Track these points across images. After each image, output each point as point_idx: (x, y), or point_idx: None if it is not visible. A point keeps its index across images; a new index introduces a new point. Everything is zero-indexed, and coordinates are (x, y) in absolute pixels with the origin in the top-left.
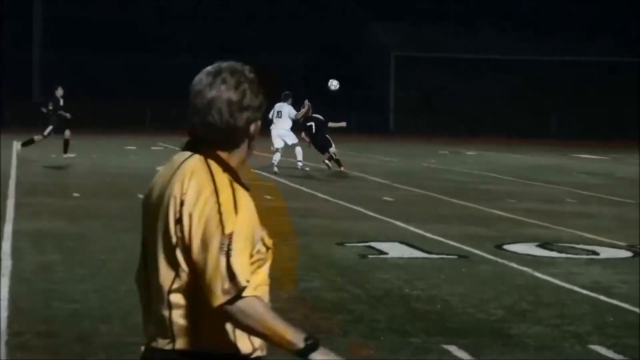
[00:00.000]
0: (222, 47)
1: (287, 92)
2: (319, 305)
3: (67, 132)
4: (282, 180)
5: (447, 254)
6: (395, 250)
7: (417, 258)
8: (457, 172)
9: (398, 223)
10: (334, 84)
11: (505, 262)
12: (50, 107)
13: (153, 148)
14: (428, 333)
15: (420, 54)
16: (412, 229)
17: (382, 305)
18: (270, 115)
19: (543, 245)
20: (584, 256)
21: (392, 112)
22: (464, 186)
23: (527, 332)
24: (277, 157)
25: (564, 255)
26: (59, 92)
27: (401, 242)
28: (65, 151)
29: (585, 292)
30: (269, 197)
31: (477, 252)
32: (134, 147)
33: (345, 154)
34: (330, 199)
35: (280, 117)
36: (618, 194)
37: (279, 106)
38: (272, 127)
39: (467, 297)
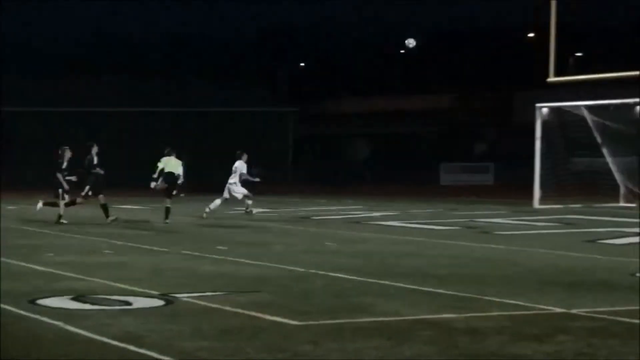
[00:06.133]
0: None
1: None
2: None
3: None
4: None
5: None
6: None
7: None
8: None
9: None
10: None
11: (38, 317)
12: None
13: None
14: None
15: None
16: None
17: None
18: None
19: (77, 298)
20: (117, 307)
21: None
22: None
23: None
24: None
25: (97, 307)
26: None
27: None
28: None
29: (115, 342)
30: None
31: (11, 308)
32: None
33: None
34: None
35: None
36: (153, 243)
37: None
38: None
39: None
